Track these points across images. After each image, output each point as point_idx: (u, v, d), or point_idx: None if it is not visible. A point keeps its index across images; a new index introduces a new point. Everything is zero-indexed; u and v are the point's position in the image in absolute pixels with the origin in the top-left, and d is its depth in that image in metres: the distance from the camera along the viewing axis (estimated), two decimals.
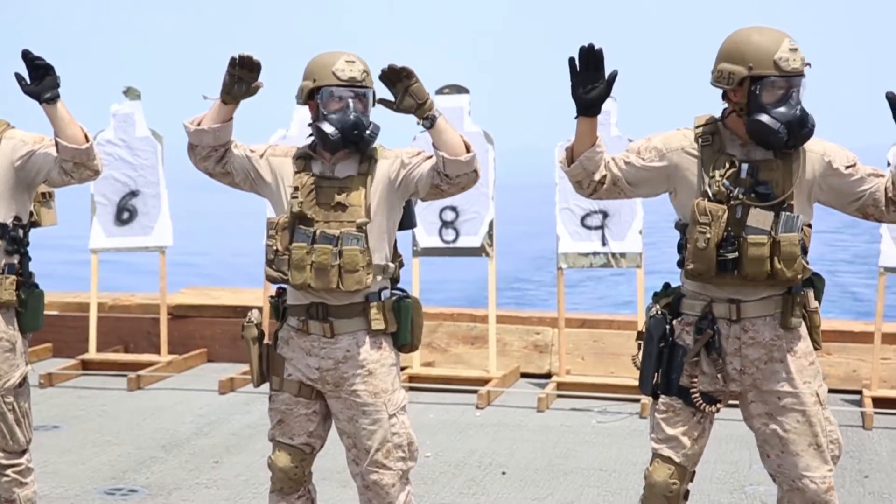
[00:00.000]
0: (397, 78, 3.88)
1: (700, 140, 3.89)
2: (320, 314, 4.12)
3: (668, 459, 3.97)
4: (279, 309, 4.25)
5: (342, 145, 4.06)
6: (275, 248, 4.07)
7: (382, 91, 3.95)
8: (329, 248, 4.02)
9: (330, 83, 4.05)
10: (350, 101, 4.06)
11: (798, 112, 3.77)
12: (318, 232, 4.05)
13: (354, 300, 4.11)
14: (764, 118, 3.76)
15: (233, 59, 3.96)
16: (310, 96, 4.10)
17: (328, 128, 4.03)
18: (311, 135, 4.19)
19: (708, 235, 3.79)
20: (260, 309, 4.53)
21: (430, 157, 4.10)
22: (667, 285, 4.09)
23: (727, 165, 3.83)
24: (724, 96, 3.89)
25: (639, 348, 4.06)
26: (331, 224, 4.06)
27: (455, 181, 4.01)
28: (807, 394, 3.93)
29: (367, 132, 4.08)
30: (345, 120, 4.04)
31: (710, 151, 3.87)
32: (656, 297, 4.08)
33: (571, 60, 3.74)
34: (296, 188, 4.09)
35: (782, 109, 3.76)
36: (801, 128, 3.78)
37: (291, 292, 4.17)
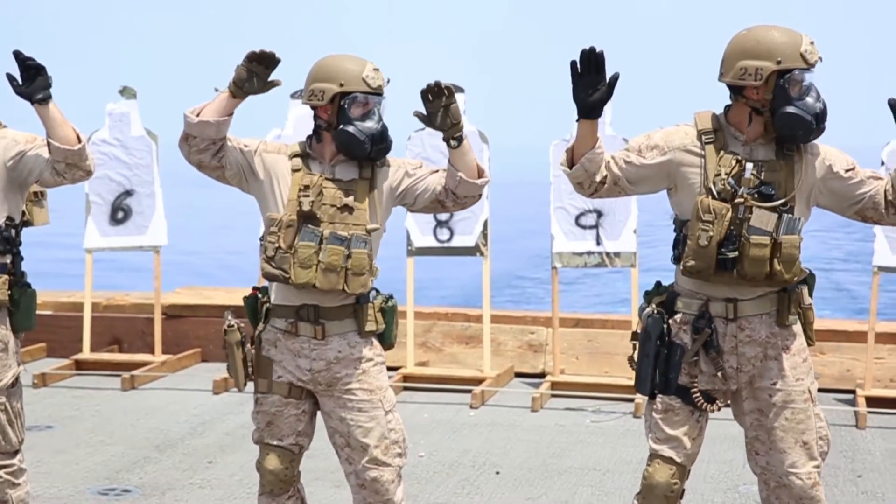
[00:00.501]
0: (439, 95, 3.94)
1: (703, 137, 3.89)
2: (311, 316, 4.11)
3: (669, 460, 3.96)
4: (257, 309, 4.23)
5: (367, 153, 4.06)
6: (276, 245, 4.04)
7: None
8: (340, 250, 4.01)
9: (360, 89, 4.05)
10: (376, 109, 4.09)
11: (822, 104, 3.82)
12: (327, 232, 4.04)
13: (346, 302, 4.12)
14: (795, 110, 3.78)
15: (252, 53, 3.94)
16: (331, 99, 4.07)
17: (360, 134, 4.02)
18: (313, 134, 4.15)
19: (710, 233, 3.80)
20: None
21: (436, 171, 4.17)
22: (658, 284, 4.09)
23: (733, 164, 3.84)
24: (738, 94, 3.87)
25: (634, 348, 4.07)
26: (336, 225, 4.05)
27: (461, 200, 4.14)
28: (798, 391, 3.95)
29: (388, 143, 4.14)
30: (374, 129, 4.05)
31: (713, 149, 3.87)
32: (648, 295, 4.07)
33: (573, 64, 3.74)
34: (306, 186, 4.06)
35: (808, 101, 3.81)
36: (823, 120, 3.83)
37: (281, 292, 4.15)
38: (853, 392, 7.72)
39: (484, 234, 8.05)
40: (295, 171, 4.11)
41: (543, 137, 9.07)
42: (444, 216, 8.07)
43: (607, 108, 7.85)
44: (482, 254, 8.08)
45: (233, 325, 4.21)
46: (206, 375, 8.44)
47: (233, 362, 4.21)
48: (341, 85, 4.04)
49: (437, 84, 3.94)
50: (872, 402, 7.48)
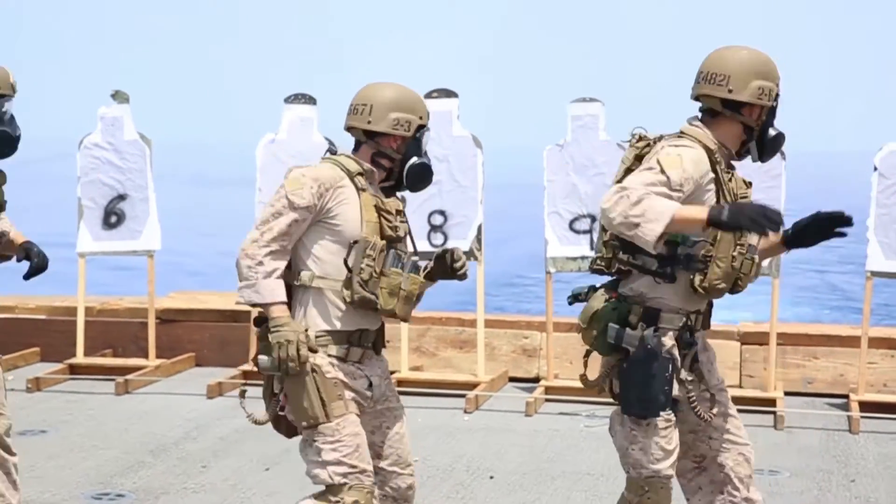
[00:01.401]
0: (453, 271, 4.07)
1: (716, 157, 3.88)
2: (362, 341, 4.01)
3: (668, 479, 3.95)
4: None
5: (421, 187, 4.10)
6: (372, 270, 3.89)
7: None
8: (419, 279, 4.00)
9: (428, 124, 4.09)
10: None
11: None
12: (408, 260, 4.00)
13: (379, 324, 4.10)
14: (780, 131, 3.93)
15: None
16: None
17: (431, 169, 4.09)
18: (373, 160, 4.05)
19: (745, 255, 3.85)
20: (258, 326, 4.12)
21: None
22: (592, 289, 4.14)
23: (743, 184, 3.96)
24: (735, 111, 3.87)
25: (607, 374, 4.05)
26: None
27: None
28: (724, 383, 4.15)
29: None
30: (429, 164, 4.10)
31: (719, 169, 3.90)
32: (616, 312, 3.94)
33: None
34: (389, 212, 4.00)
35: (775, 122, 3.95)
36: None
37: (340, 317, 3.94)
38: (846, 397, 7.73)
39: (478, 238, 8.05)
40: (362, 190, 3.97)
41: (539, 139, 9.07)
42: (437, 221, 8.08)
43: (600, 113, 7.90)
44: (476, 258, 8.07)
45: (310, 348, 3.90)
46: (199, 380, 8.42)
47: (306, 393, 3.90)
48: (421, 118, 4.04)
49: (462, 270, 4.07)
50: (866, 406, 7.48)
